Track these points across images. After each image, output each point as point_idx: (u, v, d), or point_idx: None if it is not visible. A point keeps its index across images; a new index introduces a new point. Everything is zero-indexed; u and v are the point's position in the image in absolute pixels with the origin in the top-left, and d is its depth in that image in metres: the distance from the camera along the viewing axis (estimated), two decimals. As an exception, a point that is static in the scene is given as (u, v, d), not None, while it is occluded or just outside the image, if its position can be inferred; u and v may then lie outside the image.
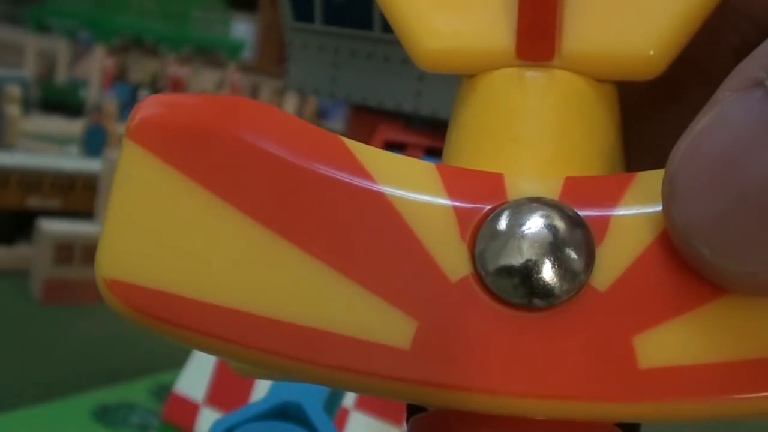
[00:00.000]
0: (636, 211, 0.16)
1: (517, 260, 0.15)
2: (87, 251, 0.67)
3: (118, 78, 2.31)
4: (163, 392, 0.48)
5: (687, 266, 0.15)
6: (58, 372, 0.52)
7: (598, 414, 0.15)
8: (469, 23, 0.19)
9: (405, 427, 0.28)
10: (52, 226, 0.67)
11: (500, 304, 0.15)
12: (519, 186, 0.16)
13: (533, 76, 0.18)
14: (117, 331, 0.62)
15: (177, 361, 0.43)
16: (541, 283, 0.15)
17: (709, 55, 0.21)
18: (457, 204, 0.16)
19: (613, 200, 0.16)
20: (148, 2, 2.34)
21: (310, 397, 0.24)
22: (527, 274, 0.15)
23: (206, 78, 2.58)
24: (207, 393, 0.38)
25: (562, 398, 0.15)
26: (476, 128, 0.19)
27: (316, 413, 0.24)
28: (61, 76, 2.22)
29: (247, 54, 2.86)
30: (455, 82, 0.34)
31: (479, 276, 0.15)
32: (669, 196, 0.15)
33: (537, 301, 0.15)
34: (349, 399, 0.33)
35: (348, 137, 0.19)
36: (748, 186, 0.13)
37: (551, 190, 0.16)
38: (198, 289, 0.15)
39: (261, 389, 0.36)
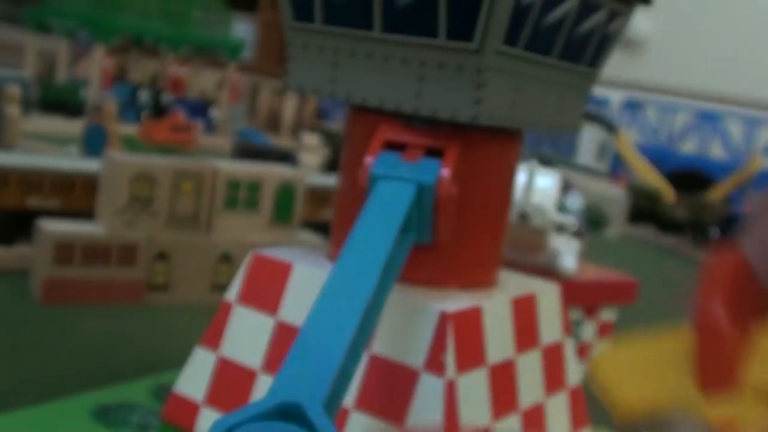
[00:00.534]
0: None
1: None
2: (87, 251, 0.67)
3: (118, 78, 2.31)
4: (163, 392, 0.48)
5: None
6: (58, 372, 0.52)
7: None
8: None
9: (405, 427, 0.28)
10: (52, 226, 0.67)
11: None
12: None
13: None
14: (117, 331, 0.62)
15: (177, 361, 0.43)
16: None
17: None
18: None
19: None
20: (148, 2, 2.34)
21: (310, 397, 0.24)
22: None
23: (206, 78, 2.58)
24: (207, 393, 0.38)
25: None
26: None
27: (316, 413, 0.24)
28: (61, 76, 2.22)
29: (247, 54, 2.87)
30: (455, 82, 0.34)
31: None
32: None
33: None
34: (349, 399, 0.33)
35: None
36: None
37: None
38: None
39: (261, 389, 0.36)
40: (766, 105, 2.55)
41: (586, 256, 0.68)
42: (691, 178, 2.45)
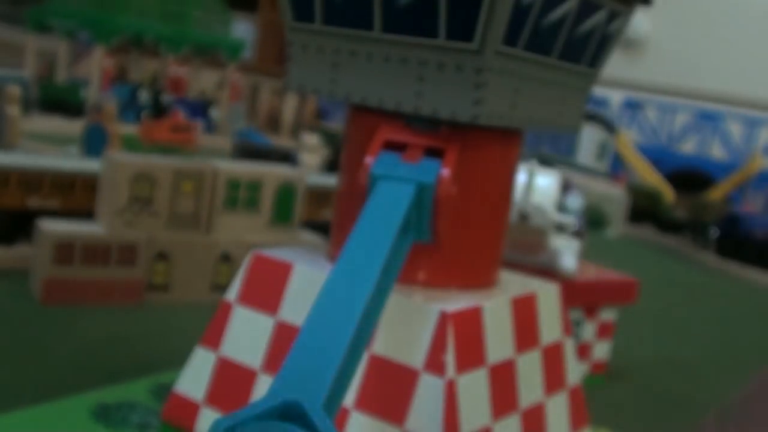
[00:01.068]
0: None
1: None
2: (87, 251, 0.67)
3: (118, 78, 2.31)
4: (163, 392, 0.48)
5: None
6: (58, 372, 0.52)
7: None
8: None
9: (405, 427, 0.28)
10: (52, 226, 0.67)
11: None
12: None
13: None
14: (117, 331, 0.62)
15: (177, 361, 0.43)
16: None
17: None
18: None
19: None
20: (148, 2, 2.34)
21: (310, 396, 0.24)
22: None
23: (206, 78, 2.58)
24: (207, 393, 0.38)
25: None
26: None
27: (316, 413, 0.24)
28: (61, 76, 2.22)
29: (247, 54, 2.87)
30: (455, 82, 0.34)
31: None
32: None
33: None
34: (349, 399, 0.33)
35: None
36: None
37: None
38: None
39: (261, 389, 0.36)
40: (766, 105, 2.55)
41: (586, 256, 0.68)
42: (691, 178, 2.45)
